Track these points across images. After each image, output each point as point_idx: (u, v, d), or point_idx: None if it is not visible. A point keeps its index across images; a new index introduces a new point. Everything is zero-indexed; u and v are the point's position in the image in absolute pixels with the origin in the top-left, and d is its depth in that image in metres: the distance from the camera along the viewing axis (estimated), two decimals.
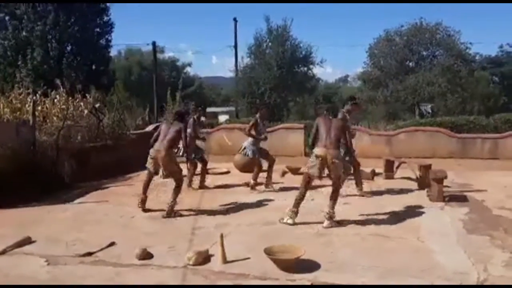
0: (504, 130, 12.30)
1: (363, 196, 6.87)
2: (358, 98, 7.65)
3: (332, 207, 5.29)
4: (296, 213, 5.30)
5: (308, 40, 36.42)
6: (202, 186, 7.87)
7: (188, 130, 7.71)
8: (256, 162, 7.54)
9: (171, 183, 6.33)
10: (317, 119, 5.64)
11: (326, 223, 5.22)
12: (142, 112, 13.29)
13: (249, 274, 3.83)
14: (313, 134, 5.54)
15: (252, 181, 7.48)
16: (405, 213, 5.85)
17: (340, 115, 6.73)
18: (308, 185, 5.43)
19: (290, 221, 5.27)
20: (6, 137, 7.18)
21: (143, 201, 6.15)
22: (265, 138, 7.64)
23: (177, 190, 6.00)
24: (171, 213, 5.88)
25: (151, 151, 6.05)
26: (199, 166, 8.00)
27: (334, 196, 5.36)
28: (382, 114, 26.71)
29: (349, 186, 7.10)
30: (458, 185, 7.71)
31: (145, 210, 6.08)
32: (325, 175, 5.47)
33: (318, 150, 5.31)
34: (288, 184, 7.83)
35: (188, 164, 7.47)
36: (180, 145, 7.27)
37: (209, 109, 29.72)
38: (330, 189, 6.48)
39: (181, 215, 5.92)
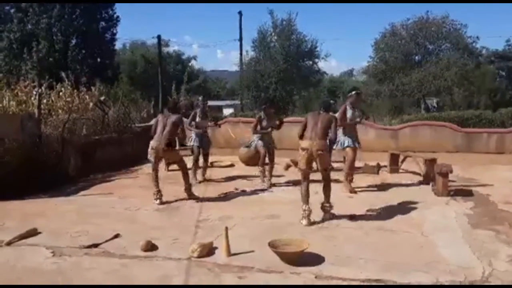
0: (511, 125, 12.22)
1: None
2: (359, 88, 7.58)
3: (327, 200, 5.35)
4: (308, 211, 5.13)
5: (313, 34, 36.30)
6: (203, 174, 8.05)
7: (198, 120, 7.82)
8: (261, 153, 7.49)
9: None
10: (307, 115, 5.72)
11: (324, 215, 5.30)
12: (147, 105, 13.29)
13: (253, 267, 3.84)
14: (301, 128, 5.51)
15: (260, 168, 7.47)
16: (410, 207, 5.83)
17: (341, 109, 6.81)
18: (306, 179, 5.36)
19: (304, 221, 5.08)
20: (12, 130, 7.21)
21: (160, 195, 6.24)
22: (270, 130, 7.55)
23: (186, 175, 6.44)
24: (191, 195, 6.43)
25: (152, 142, 6.24)
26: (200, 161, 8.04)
27: (326, 189, 5.36)
28: (387, 108, 26.57)
29: (354, 181, 7.08)
30: (463, 180, 7.68)
31: (163, 203, 6.14)
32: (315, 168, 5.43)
33: (303, 143, 5.33)
34: (292, 177, 7.84)
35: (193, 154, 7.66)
36: (193, 134, 7.74)
37: (214, 103, 29.71)
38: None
39: (198, 199, 6.34)
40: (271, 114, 7.49)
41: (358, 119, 6.92)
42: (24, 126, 7.50)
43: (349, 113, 6.92)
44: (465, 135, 11.72)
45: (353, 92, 7.12)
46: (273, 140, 7.56)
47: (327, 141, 5.38)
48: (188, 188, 6.45)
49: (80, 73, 17.54)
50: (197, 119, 7.87)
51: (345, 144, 6.84)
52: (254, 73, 21.82)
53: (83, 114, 9.87)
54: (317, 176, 5.50)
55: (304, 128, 5.46)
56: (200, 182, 7.69)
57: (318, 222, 5.14)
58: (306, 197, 5.26)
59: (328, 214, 5.31)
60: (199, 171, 7.91)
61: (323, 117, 5.42)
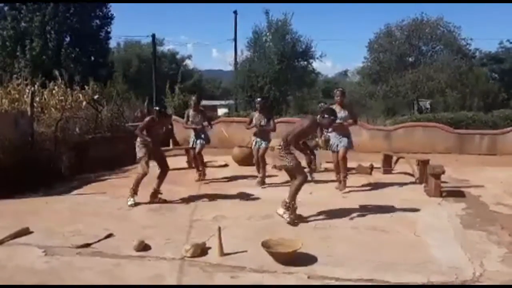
0: (503, 127, 12.33)
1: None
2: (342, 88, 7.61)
3: (290, 197, 5.10)
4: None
5: (308, 34, 36.18)
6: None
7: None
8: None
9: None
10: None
11: (280, 210, 5.10)
12: (140, 104, 13.24)
13: (246, 267, 3.84)
14: None
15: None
16: (402, 207, 5.85)
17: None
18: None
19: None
20: (4, 128, 7.16)
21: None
22: (262, 128, 7.56)
23: (161, 175, 6.23)
24: (154, 198, 6.12)
25: None
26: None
27: (292, 187, 5.17)
28: (381, 109, 26.69)
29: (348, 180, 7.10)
30: (456, 181, 7.73)
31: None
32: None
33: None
34: (285, 177, 7.81)
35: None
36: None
37: (208, 102, 29.66)
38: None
39: (165, 201, 6.10)
40: (264, 111, 7.50)
41: (340, 120, 6.83)
42: (16, 124, 7.46)
43: None
44: (458, 136, 11.81)
45: (335, 90, 7.18)
46: (268, 137, 7.44)
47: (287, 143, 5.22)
48: (156, 190, 6.19)
49: (73, 72, 17.43)
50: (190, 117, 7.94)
51: (333, 148, 6.84)
52: (248, 73, 21.79)
53: (76, 112, 9.81)
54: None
55: None
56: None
57: (312, 221, 5.15)
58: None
59: (285, 212, 5.05)
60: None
61: (304, 120, 5.42)
